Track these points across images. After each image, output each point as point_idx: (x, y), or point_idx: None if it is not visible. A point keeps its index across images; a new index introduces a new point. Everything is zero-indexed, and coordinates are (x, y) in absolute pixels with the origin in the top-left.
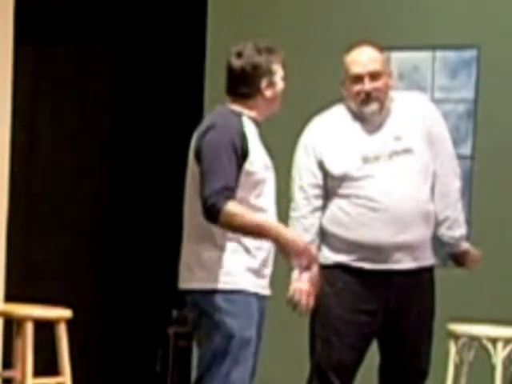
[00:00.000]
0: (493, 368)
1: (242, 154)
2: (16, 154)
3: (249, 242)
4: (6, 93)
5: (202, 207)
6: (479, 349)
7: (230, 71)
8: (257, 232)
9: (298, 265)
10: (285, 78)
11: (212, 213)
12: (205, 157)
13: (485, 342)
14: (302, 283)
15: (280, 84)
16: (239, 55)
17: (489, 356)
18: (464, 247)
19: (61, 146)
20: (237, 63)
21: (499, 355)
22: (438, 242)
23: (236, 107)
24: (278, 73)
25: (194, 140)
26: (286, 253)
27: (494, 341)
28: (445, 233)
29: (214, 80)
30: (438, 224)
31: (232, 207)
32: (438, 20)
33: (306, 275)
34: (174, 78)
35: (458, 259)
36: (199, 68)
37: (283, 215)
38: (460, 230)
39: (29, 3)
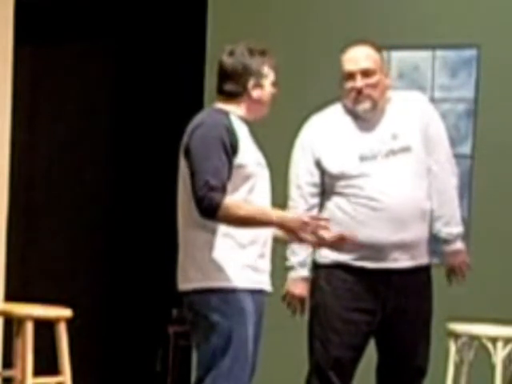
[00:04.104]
0: (493, 367)
1: (232, 149)
2: (16, 153)
3: (242, 237)
4: (5, 92)
5: (197, 205)
6: (479, 348)
7: (221, 69)
8: (257, 221)
9: (309, 243)
10: (276, 84)
11: (209, 210)
12: (195, 154)
13: (485, 341)
14: (295, 288)
15: (269, 88)
16: (231, 54)
17: (489, 355)
18: (460, 246)
19: (61, 145)
20: (227, 61)
21: (499, 355)
22: (434, 240)
23: (223, 106)
24: (269, 76)
25: (183, 139)
26: (291, 232)
27: (493, 340)
28: (442, 229)
29: (214, 80)
30: (434, 220)
31: (229, 202)
32: (438, 20)
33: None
34: (174, 78)
35: (450, 259)
36: (199, 68)
37: None
38: (458, 228)
39: (29, 3)
